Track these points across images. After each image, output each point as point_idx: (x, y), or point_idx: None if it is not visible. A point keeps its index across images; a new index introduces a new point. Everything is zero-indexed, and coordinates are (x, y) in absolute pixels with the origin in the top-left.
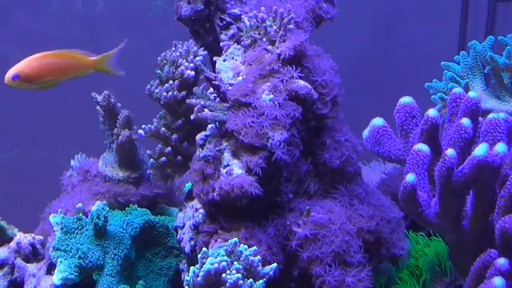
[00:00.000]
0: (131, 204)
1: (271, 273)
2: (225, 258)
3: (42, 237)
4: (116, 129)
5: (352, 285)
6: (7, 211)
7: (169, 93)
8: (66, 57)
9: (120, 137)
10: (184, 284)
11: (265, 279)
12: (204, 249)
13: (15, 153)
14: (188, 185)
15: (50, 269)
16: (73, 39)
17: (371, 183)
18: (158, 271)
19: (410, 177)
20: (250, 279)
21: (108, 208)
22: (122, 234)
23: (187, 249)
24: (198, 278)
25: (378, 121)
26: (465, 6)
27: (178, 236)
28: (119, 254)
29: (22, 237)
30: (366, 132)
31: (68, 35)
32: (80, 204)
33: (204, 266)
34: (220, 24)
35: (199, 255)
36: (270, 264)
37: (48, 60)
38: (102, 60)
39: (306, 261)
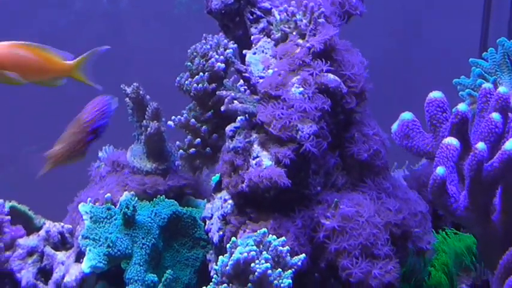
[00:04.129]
0: (159, 195)
1: (299, 263)
2: (254, 248)
3: (70, 226)
4: (144, 121)
5: (379, 277)
6: (35, 203)
7: (200, 85)
8: (38, 54)
9: (149, 129)
10: (212, 274)
11: (293, 269)
12: (233, 238)
13: (40, 147)
14: (215, 177)
15: (79, 257)
16: (97, 36)
17: (398, 178)
18: (185, 261)
19: (440, 170)
20: (279, 269)
21: (136, 198)
22: (150, 224)
23: (215, 239)
24: (227, 267)
25: (407, 115)
26: (487, 5)
27: (206, 227)
28: (147, 243)
29: (51, 226)
30: (394, 126)
31: (92, 31)
32: (108, 194)
33: (233, 255)
34: (251, 17)
35: (228, 245)
36: (298, 255)
37: (17, 51)
38: (75, 66)
39: (333, 253)
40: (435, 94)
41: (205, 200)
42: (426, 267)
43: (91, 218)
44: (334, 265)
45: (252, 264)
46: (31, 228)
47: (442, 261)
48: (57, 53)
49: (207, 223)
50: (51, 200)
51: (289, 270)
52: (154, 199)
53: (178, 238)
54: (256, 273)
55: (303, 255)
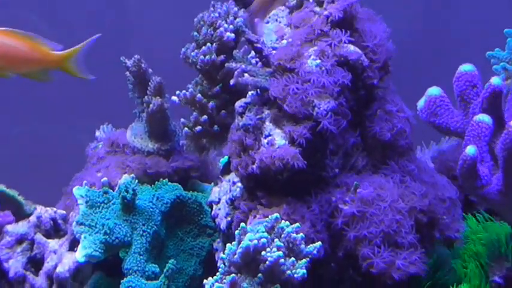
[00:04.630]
0: (161, 178)
1: (314, 252)
2: (265, 234)
3: (64, 212)
4: (146, 96)
5: (402, 268)
6: (25, 188)
7: (207, 57)
8: (25, 43)
9: (151, 105)
10: (218, 264)
11: (308, 258)
12: (243, 224)
13: (32, 129)
14: (223, 159)
15: (73, 245)
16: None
17: (425, 160)
18: (189, 251)
19: (470, 149)
20: (292, 258)
21: (136, 181)
22: (151, 209)
23: (222, 225)
24: (235, 256)
25: (434, 90)
26: None
27: (213, 212)
28: (148, 230)
29: (43, 211)
30: (421, 103)
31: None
32: (105, 178)
33: (242, 242)
34: None
35: (236, 232)
36: (314, 242)
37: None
38: (67, 57)
39: (353, 241)
40: (466, 67)
41: (213, 184)
42: (455, 258)
43: (87, 202)
44: (354, 254)
45: (263, 253)
46: (21, 214)
47: (472, 250)
48: (46, 43)
49: (213, 208)
50: (43, 184)
51: (304, 259)
52: (156, 182)
53: (182, 225)
54: (267, 262)
55: (319, 243)
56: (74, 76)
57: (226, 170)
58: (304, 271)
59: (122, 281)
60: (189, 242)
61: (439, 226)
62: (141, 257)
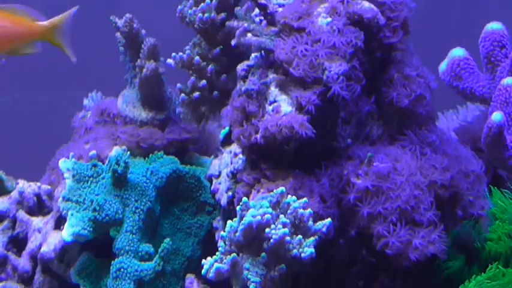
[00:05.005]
0: (156, 151)
1: (324, 229)
2: (270, 210)
3: (49, 187)
4: (139, 60)
5: (420, 248)
6: (8, 162)
7: (206, 15)
8: (9, 20)
9: (144, 70)
10: (218, 243)
11: (316, 236)
12: (245, 199)
13: (15, 98)
14: (224, 131)
15: (59, 223)
16: None
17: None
18: (187, 230)
19: (496, 116)
20: (299, 236)
21: (128, 154)
22: (145, 184)
23: (223, 201)
24: (237, 234)
25: (458, 52)
26: None
27: (212, 187)
28: (141, 207)
29: (26, 186)
30: (443, 65)
31: None
32: (94, 151)
33: (244, 219)
34: None
35: (238, 207)
36: (323, 219)
37: None
38: (52, 28)
39: (366, 219)
40: (493, 26)
41: (212, 157)
42: (480, 238)
43: (74, 176)
44: (367, 233)
45: (267, 230)
46: (2, 192)
47: (501, 230)
48: (30, 13)
49: (213, 182)
50: (26, 159)
51: (312, 238)
52: (150, 155)
53: (179, 202)
54: (271, 241)
55: (329, 219)
56: (59, 48)
57: (227, 140)
58: (313, 250)
59: (112, 262)
60: (186, 220)
61: (461, 203)
62: (134, 236)
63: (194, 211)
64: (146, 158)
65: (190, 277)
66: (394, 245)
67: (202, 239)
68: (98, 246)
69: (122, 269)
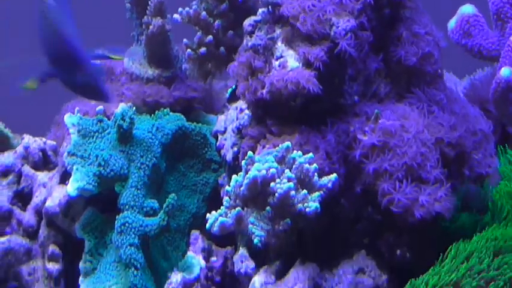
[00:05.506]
0: (162, 108)
1: (329, 185)
2: (275, 165)
3: (54, 143)
4: (145, 17)
5: (426, 205)
6: (14, 120)
7: None
8: None
9: (151, 27)
10: (224, 200)
11: (322, 192)
12: (250, 153)
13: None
14: (230, 89)
15: (64, 178)
16: None
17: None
18: (192, 187)
19: (505, 71)
20: (304, 191)
21: (134, 109)
22: (150, 140)
23: (228, 157)
24: (242, 188)
25: (467, 8)
26: None
27: (218, 143)
28: (147, 163)
29: (31, 141)
30: (452, 23)
31: None
32: (101, 107)
33: (249, 173)
34: None
35: (243, 162)
36: (328, 175)
37: None
38: None
39: (372, 175)
40: None
41: (218, 115)
42: (487, 197)
43: (79, 131)
44: (373, 190)
45: (272, 184)
46: (8, 149)
47: (506, 188)
48: None
49: (219, 139)
50: (32, 118)
51: (317, 192)
52: (156, 112)
53: (184, 159)
54: (276, 195)
55: (334, 175)
56: None
57: (234, 96)
58: (318, 205)
59: (117, 217)
60: (191, 177)
61: (468, 162)
62: (139, 191)
63: (200, 168)
64: (152, 115)
65: (195, 233)
66: (399, 202)
67: (208, 196)
68: (102, 201)
69: (126, 224)
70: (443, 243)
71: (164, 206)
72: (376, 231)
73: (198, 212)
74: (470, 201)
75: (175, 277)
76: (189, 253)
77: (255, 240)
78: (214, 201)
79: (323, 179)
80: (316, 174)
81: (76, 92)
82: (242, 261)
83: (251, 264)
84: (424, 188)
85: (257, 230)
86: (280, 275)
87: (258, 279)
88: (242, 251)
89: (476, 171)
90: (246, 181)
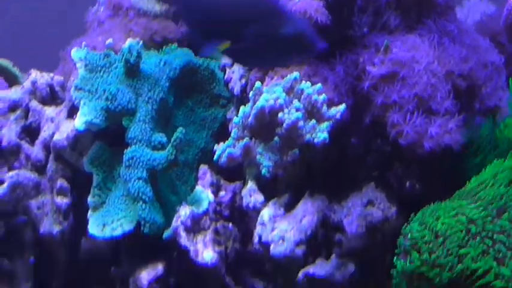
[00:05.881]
0: (170, 43)
1: (337, 116)
2: (283, 95)
3: (62, 78)
4: None
5: (435, 137)
6: (23, 58)
7: None
8: None
9: None
10: (232, 130)
11: (330, 122)
12: (258, 83)
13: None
14: None
15: (72, 112)
16: None
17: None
18: (200, 122)
19: None
20: (313, 121)
21: (141, 44)
22: (158, 74)
23: (236, 89)
24: (249, 119)
25: None
26: None
27: (226, 76)
28: (154, 97)
29: (38, 77)
30: None
31: None
32: (110, 40)
33: (256, 103)
34: None
35: (251, 93)
36: (337, 106)
37: None
38: None
39: (381, 107)
40: None
41: None
42: (497, 130)
43: (86, 66)
44: (382, 121)
45: (280, 114)
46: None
47: None
48: None
49: (227, 72)
50: (40, 55)
51: (326, 123)
52: (164, 47)
53: (192, 95)
54: (284, 125)
55: (343, 105)
56: None
57: None
58: (326, 135)
59: (125, 151)
60: (200, 112)
61: (479, 94)
62: (147, 125)
63: (208, 103)
64: (160, 50)
65: (203, 168)
66: (408, 133)
67: (216, 132)
68: (110, 135)
69: (134, 158)
70: (454, 175)
71: (172, 139)
72: (385, 163)
73: (206, 147)
74: (482, 135)
75: (184, 210)
76: (198, 187)
77: (263, 171)
78: (222, 137)
79: (331, 109)
80: (324, 104)
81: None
82: (251, 195)
83: (260, 197)
84: (434, 119)
85: (265, 161)
86: (289, 208)
87: (266, 212)
88: (251, 184)
89: (487, 104)
90: (253, 111)
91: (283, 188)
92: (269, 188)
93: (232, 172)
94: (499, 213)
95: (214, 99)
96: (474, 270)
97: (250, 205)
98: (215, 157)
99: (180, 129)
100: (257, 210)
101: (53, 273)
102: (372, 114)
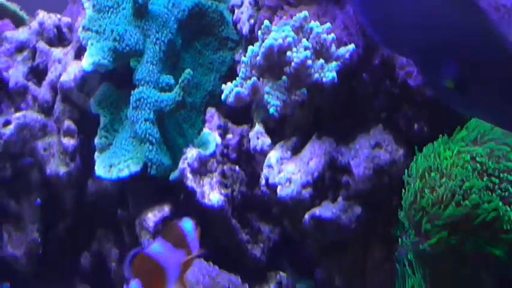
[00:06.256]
0: None
1: (347, 55)
2: (292, 34)
3: (69, 20)
4: None
5: None
6: (28, 1)
7: None
8: None
9: None
10: (239, 72)
11: (339, 62)
12: (266, 22)
13: None
14: None
15: (79, 53)
16: None
17: None
18: (208, 65)
19: None
20: (321, 60)
21: None
22: (166, 15)
23: (245, 30)
24: (258, 58)
25: None
26: None
27: (234, 16)
28: (162, 38)
29: (46, 18)
30: None
31: None
32: None
33: (265, 41)
34: None
35: (259, 32)
36: (346, 46)
37: None
38: None
39: None
40: None
41: None
42: None
43: (94, 6)
44: (391, 62)
45: (288, 53)
46: None
47: None
48: None
49: (235, 13)
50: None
51: (334, 62)
52: None
53: (201, 37)
54: (292, 64)
55: (352, 45)
56: None
57: None
58: (334, 75)
59: (132, 92)
60: (208, 55)
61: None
62: (154, 67)
63: (216, 46)
64: None
65: (211, 110)
66: (417, 75)
67: (224, 75)
68: (118, 77)
69: (141, 99)
70: (464, 118)
71: (180, 80)
72: (394, 105)
73: (214, 90)
74: None
75: (191, 152)
76: (205, 130)
77: (271, 110)
78: (230, 80)
79: (340, 49)
80: (333, 44)
81: None
82: (258, 137)
83: (267, 140)
84: None
85: (273, 100)
86: (296, 151)
87: (273, 155)
88: (258, 127)
89: None
90: (262, 50)
91: (291, 132)
92: (277, 132)
93: (240, 116)
94: (506, 153)
95: (223, 42)
96: (478, 206)
97: (258, 148)
98: (223, 96)
99: (187, 70)
100: (264, 153)
101: (59, 215)
102: (381, 56)
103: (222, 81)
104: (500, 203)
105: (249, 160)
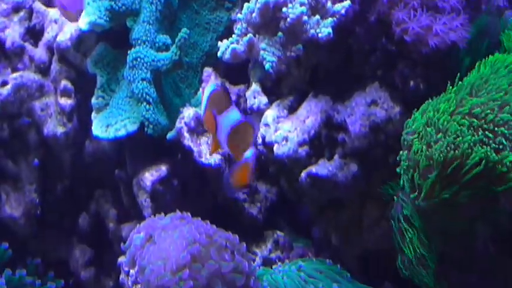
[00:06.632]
0: None
1: (342, 11)
2: None
3: None
4: None
5: (441, 34)
6: None
7: None
8: None
9: None
10: (235, 30)
11: (335, 18)
12: None
13: None
14: None
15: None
16: None
17: None
18: (205, 25)
19: None
20: (317, 16)
21: None
22: None
23: None
24: (254, 14)
25: None
26: None
27: None
28: None
29: None
30: None
31: None
32: None
33: None
34: None
35: None
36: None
37: None
38: None
39: (386, 4)
40: None
41: None
42: (504, 30)
43: None
44: (387, 19)
45: (284, 9)
46: None
47: None
48: None
49: None
50: None
51: (330, 18)
52: None
53: None
54: (288, 20)
55: (348, 1)
56: None
57: None
58: (330, 30)
59: (129, 51)
60: (204, 15)
61: None
62: (151, 26)
63: (213, 6)
64: None
65: (208, 70)
66: (413, 30)
67: (221, 35)
68: (114, 38)
69: (138, 59)
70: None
71: (176, 40)
72: (390, 62)
73: (211, 50)
74: (486, 33)
75: (188, 112)
76: None
77: (266, 66)
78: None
79: (336, 5)
80: (329, 0)
81: None
82: (255, 96)
83: (264, 99)
84: (440, 17)
85: (268, 56)
86: (292, 110)
87: (270, 113)
88: (255, 86)
89: (494, 3)
90: (258, 6)
91: (287, 91)
92: (273, 91)
93: (237, 76)
94: (501, 106)
95: (220, 2)
96: (471, 156)
97: (254, 106)
98: (219, 53)
99: (184, 29)
100: (261, 112)
101: (57, 176)
102: (378, 12)
103: (218, 42)
104: (494, 154)
105: None
